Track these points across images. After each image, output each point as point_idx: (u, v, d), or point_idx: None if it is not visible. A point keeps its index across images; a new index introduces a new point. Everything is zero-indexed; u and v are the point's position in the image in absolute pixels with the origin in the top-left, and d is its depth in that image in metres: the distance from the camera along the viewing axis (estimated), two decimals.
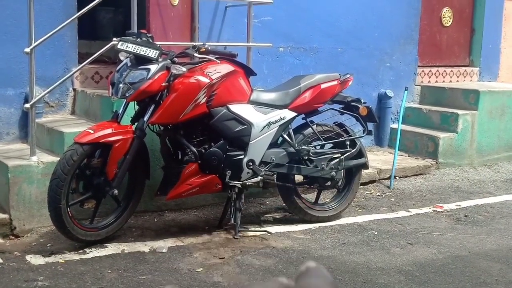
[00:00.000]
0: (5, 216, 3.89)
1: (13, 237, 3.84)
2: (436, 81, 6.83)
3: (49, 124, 4.48)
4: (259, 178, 4.05)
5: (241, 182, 4.00)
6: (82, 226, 3.69)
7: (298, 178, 4.42)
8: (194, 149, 3.86)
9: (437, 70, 6.84)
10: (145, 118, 3.75)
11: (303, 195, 4.45)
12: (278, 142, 4.24)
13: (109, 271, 3.36)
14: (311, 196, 4.65)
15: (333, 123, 4.44)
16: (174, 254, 3.66)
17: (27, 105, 4.04)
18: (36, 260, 3.50)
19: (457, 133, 5.98)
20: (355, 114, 4.39)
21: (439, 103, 6.36)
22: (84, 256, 3.58)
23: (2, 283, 3.16)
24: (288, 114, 4.18)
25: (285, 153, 4.18)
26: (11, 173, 3.89)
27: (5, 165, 3.97)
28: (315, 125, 4.31)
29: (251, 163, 4.03)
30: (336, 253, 3.77)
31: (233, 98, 4.00)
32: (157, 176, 4.05)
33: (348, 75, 4.41)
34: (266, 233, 4.09)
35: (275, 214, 4.55)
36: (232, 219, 3.98)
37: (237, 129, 3.98)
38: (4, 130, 4.63)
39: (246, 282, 3.29)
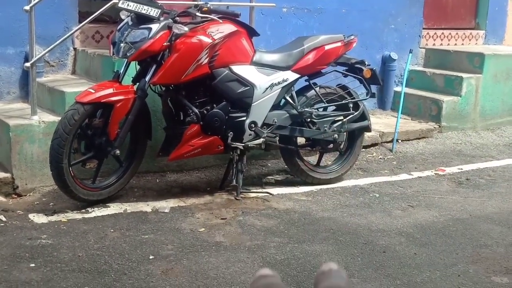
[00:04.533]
0: (8, 175, 3.89)
1: (16, 196, 3.86)
2: (441, 44, 6.74)
3: (49, 84, 4.45)
4: (261, 140, 4.04)
5: (243, 144, 3.98)
6: (84, 185, 3.70)
7: (301, 140, 4.41)
8: (196, 110, 3.83)
9: (442, 33, 6.75)
10: (147, 78, 3.71)
11: (305, 158, 4.45)
12: (281, 104, 4.21)
13: (112, 230, 3.38)
14: (313, 159, 4.64)
15: (336, 85, 4.40)
16: (176, 214, 3.67)
17: (28, 64, 4.00)
18: (39, 218, 3.51)
19: (461, 97, 5.93)
20: (358, 76, 4.35)
21: (444, 66, 6.29)
22: (86, 216, 3.59)
23: (6, 241, 3.18)
24: (291, 75, 4.14)
25: (288, 115, 4.15)
26: (13, 132, 3.88)
27: (7, 124, 3.95)
28: (318, 87, 4.27)
29: (253, 125, 4.01)
30: (337, 215, 3.78)
31: (236, 59, 3.95)
32: (159, 137, 4.04)
33: (352, 37, 4.34)
34: (268, 194, 4.10)
35: (277, 176, 4.55)
36: (234, 181, 3.98)
37: (239, 91, 3.94)
38: (4, 89, 4.60)
39: (248, 242, 3.31)
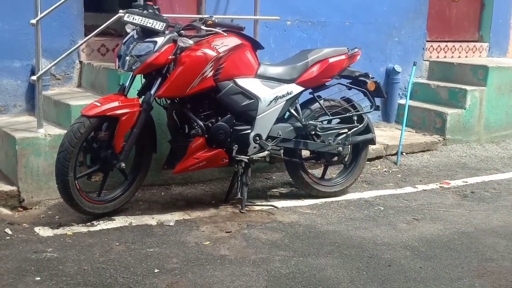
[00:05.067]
0: (13, 188, 3.91)
1: (22, 209, 3.87)
2: (445, 56, 6.76)
3: (55, 97, 4.47)
4: (266, 152, 4.05)
5: (248, 157, 3.99)
6: (90, 198, 3.70)
7: (305, 153, 4.41)
8: (201, 123, 3.85)
9: (446, 45, 6.77)
10: (152, 92, 3.73)
11: (309, 170, 4.45)
12: (285, 116, 4.22)
13: (117, 244, 3.38)
14: (317, 171, 4.65)
15: (341, 98, 4.41)
16: (181, 228, 3.67)
17: (34, 78, 4.03)
18: (44, 232, 3.52)
19: (465, 109, 5.93)
20: (362, 89, 4.36)
21: (448, 78, 6.31)
22: (92, 229, 3.60)
23: (11, 254, 3.18)
24: (295, 88, 4.15)
25: (292, 128, 4.17)
26: (19, 145, 3.90)
27: (13, 137, 3.97)
28: (322, 100, 4.28)
29: (258, 138, 4.02)
30: (342, 228, 3.78)
31: (240, 72, 3.97)
32: (164, 150, 4.05)
33: (356, 50, 4.36)
34: (273, 207, 4.10)
35: (282, 189, 4.55)
36: (239, 194, 3.98)
37: (244, 103, 3.96)
38: (11, 102, 4.63)
39: (253, 255, 3.30)
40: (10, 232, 3.46)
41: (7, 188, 3.92)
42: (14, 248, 3.27)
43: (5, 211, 3.81)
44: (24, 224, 3.61)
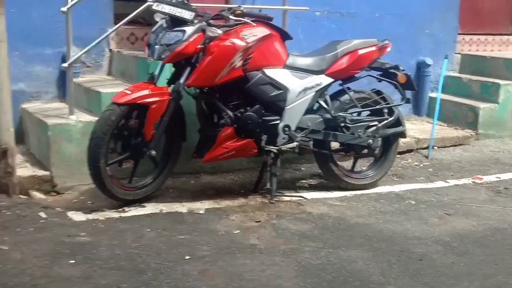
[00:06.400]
0: (47, 173, 3.97)
1: (55, 194, 3.93)
2: (477, 50, 6.65)
3: (86, 84, 4.51)
4: (295, 143, 4.02)
5: (277, 147, 3.98)
6: (121, 185, 3.74)
7: (335, 145, 4.38)
8: (230, 113, 3.84)
9: (478, 38, 6.65)
10: (181, 81, 3.73)
11: (339, 162, 4.41)
12: (314, 108, 4.19)
13: (149, 230, 3.41)
14: (347, 164, 4.61)
15: (371, 90, 4.36)
16: (211, 216, 3.68)
17: (65, 65, 4.07)
18: (77, 216, 3.56)
19: (498, 104, 5.82)
20: (393, 82, 4.31)
21: (480, 72, 6.19)
22: (123, 215, 3.63)
23: (46, 237, 3.23)
24: (324, 80, 4.12)
25: (321, 119, 4.14)
26: (51, 131, 3.95)
27: (45, 123, 4.02)
28: (352, 92, 4.24)
29: (287, 129, 4.00)
30: (372, 221, 3.75)
31: (269, 62, 3.95)
32: (194, 139, 4.05)
33: (386, 41, 4.31)
34: (302, 198, 4.08)
35: (311, 180, 4.53)
36: (268, 184, 3.98)
37: (272, 94, 3.94)
38: (43, 89, 4.68)
39: (283, 245, 3.30)
40: (44, 216, 3.50)
41: (40, 173, 3.98)
42: (49, 231, 3.31)
43: (39, 195, 3.87)
44: (58, 208, 3.66)
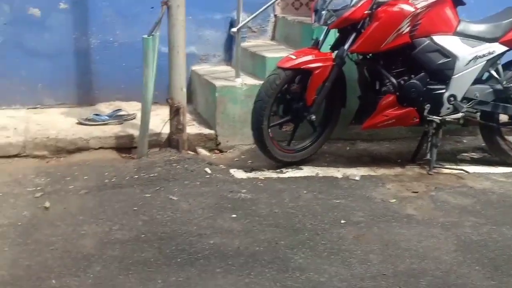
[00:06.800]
0: (212, 131, 4.24)
1: (218, 152, 4.20)
2: None
3: (251, 49, 4.69)
4: (460, 114, 3.87)
5: (440, 117, 3.85)
6: (280, 147, 3.88)
7: (503, 117, 4.13)
8: (394, 80, 3.79)
9: None
10: (346, 46, 3.74)
11: (506, 137, 4.16)
12: (484, 78, 3.98)
13: (305, 192, 3.52)
14: None
15: None
16: (367, 183, 3.70)
17: (234, 29, 4.25)
18: (238, 174, 3.77)
19: None
20: None
21: None
22: (281, 175, 3.78)
23: (211, 191, 3.48)
24: (498, 48, 3.88)
25: (491, 90, 3.92)
26: (218, 93, 4.19)
27: (213, 85, 4.27)
28: None
29: (452, 98, 3.85)
30: None
31: (438, 28, 3.81)
32: (352, 106, 4.05)
33: None
34: (463, 172, 3.92)
35: (473, 153, 4.33)
36: (428, 155, 3.88)
37: (440, 62, 3.80)
38: (211, 52, 4.95)
39: (441, 218, 3.23)
40: (209, 171, 3.76)
41: (206, 131, 4.26)
42: (213, 186, 3.56)
43: (204, 151, 4.16)
44: (221, 165, 3.90)
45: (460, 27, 3.87)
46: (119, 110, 4.50)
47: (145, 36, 3.78)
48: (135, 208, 3.21)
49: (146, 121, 3.90)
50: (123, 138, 4.12)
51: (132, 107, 4.53)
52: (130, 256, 2.71)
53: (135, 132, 4.08)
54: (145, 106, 3.88)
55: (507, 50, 3.92)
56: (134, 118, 4.39)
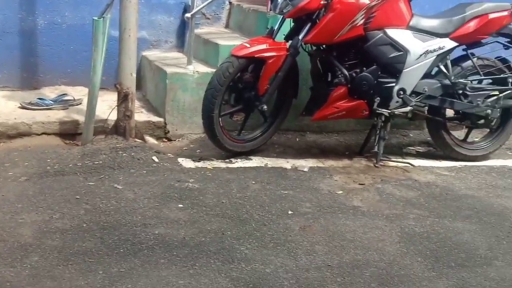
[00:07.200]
0: (161, 119, 4.16)
1: (166, 140, 4.13)
2: None
3: (205, 36, 4.62)
4: (408, 108, 3.92)
5: (389, 111, 3.89)
6: (231, 137, 3.85)
7: (449, 112, 4.21)
8: (346, 72, 3.79)
9: None
10: (300, 37, 3.72)
11: (451, 131, 4.25)
12: (433, 72, 4.03)
13: (253, 182, 3.50)
14: (459, 133, 4.42)
15: (495, 58, 4.12)
16: (315, 174, 3.71)
17: (188, 15, 4.18)
18: (187, 163, 3.72)
19: None
20: None
21: None
22: (230, 165, 3.75)
23: (157, 180, 3.41)
24: (448, 43, 3.94)
25: (440, 85, 3.98)
26: (169, 79, 4.11)
27: (164, 71, 4.18)
28: (476, 58, 4.03)
29: (402, 92, 3.89)
30: (482, 194, 3.60)
31: (392, 22, 3.83)
32: (304, 97, 4.05)
33: None
34: (409, 165, 3.99)
35: (419, 147, 4.41)
36: (376, 147, 3.92)
37: (391, 55, 3.83)
38: (163, 37, 4.85)
39: (386, 210, 3.26)
40: (156, 160, 3.69)
41: (155, 119, 4.18)
42: (160, 175, 3.49)
43: (152, 140, 4.08)
44: (169, 154, 3.83)
45: (413, 22, 3.90)
46: (65, 94, 4.36)
47: (96, 18, 3.67)
48: (77, 197, 3.11)
49: (92, 107, 3.79)
50: (67, 123, 3.99)
51: (79, 92, 4.40)
52: (71, 246, 2.63)
53: (81, 118, 3.96)
54: (92, 90, 3.77)
55: (457, 46, 3.99)
56: (80, 104, 4.26)
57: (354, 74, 3.81)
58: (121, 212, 2.98)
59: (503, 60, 4.11)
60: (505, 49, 4.13)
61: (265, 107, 3.77)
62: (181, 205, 3.13)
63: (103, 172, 3.43)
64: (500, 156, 4.33)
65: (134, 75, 3.93)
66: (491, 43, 4.08)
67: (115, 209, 3.02)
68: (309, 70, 4.00)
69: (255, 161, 3.85)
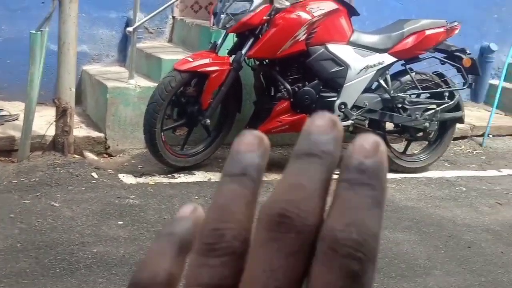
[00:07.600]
0: (101, 134, 4.06)
1: (107, 156, 4.03)
2: None
3: (147, 50, 4.57)
4: (349, 122, 3.98)
5: None
6: (173, 151, 3.80)
7: (389, 126, 4.31)
8: (288, 87, 3.83)
9: None
10: (243, 51, 3.73)
11: (391, 144, 4.34)
12: (373, 87, 4.12)
13: (196, 197, 3.46)
14: (398, 146, 4.53)
15: (433, 73, 4.25)
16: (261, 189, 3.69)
17: (130, 29, 4.12)
18: (127, 179, 3.65)
19: None
20: (457, 65, 4.17)
21: None
22: (172, 180, 3.70)
23: (97, 197, 3.33)
24: (387, 58, 4.04)
25: (379, 99, 4.07)
26: (110, 94, 4.03)
27: (105, 85, 4.10)
28: (414, 73, 4.15)
29: (343, 106, 3.95)
30: (421, 205, 3.69)
31: (333, 37, 3.90)
32: (247, 111, 4.06)
33: (455, 23, 4.17)
34: None
35: None
36: None
37: (333, 70, 3.89)
38: (104, 52, 4.77)
39: None
40: (96, 176, 3.60)
41: (95, 134, 4.08)
42: (99, 191, 3.41)
43: (92, 156, 3.98)
44: (109, 170, 3.75)
45: (354, 37, 3.99)
46: (1, 110, 4.20)
47: (33, 31, 3.57)
48: (11, 215, 2.99)
49: (29, 122, 3.67)
50: (2, 140, 3.84)
51: (15, 108, 4.26)
52: (3, 267, 2.52)
53: (17, 134, 3.82)
54: (29, 105, 3.66)
55: (396, 61, 4.09)
56: (16, 119, 4.12)
57: (296, 89, 3.85)
58: (58, 231, 2.89)
59: (440, 75, 4.24)
60: (442, 64, 4.26)
61: (208, 121, 3.75)
62: (121, 222, 3.06)
63: (40, 190, 3.32)
64: (438, 167, 4.45)
65: (73, 89, 3.84)
66: (428, 58, 4.21)
67: (51, 227, 2.92)
68: (253, 84, 4.02)
69: (198, 176, 3.82)
